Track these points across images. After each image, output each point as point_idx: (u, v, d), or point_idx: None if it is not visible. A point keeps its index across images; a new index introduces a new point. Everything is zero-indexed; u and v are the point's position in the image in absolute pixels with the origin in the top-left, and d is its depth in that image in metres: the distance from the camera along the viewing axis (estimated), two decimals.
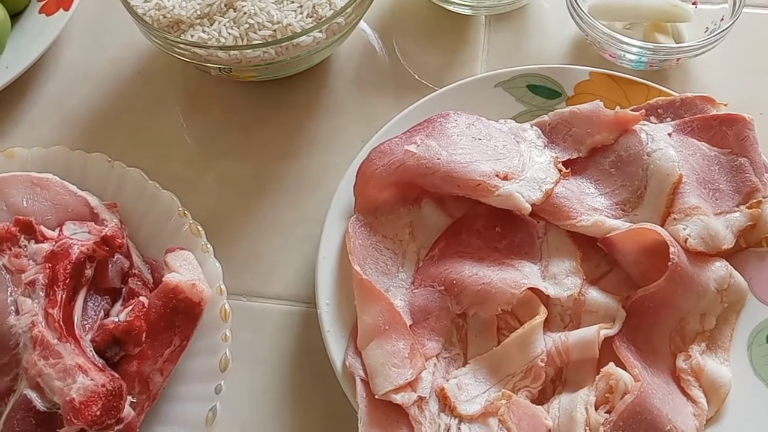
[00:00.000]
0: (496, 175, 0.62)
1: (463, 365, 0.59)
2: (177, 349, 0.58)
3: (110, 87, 0.78)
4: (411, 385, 0.56)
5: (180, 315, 0.59)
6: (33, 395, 0.55)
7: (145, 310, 0.59)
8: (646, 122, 0.66)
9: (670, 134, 0.65)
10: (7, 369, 0.56)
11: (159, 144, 0.74)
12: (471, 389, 0.57)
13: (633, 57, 0.71)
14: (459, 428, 0.55)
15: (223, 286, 0.61)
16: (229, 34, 0.65)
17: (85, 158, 0.67)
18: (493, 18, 0.80)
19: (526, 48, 0.78)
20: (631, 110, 0.66)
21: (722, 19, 0.71)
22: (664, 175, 0.62)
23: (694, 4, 0.75)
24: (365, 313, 0.59)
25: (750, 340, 0.59)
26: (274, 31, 0.65)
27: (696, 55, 0.71)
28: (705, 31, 0.73)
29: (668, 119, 0.67)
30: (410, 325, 0.59)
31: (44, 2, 0.79)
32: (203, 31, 0.66)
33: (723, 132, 0.64)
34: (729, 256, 0.61)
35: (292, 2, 0.67)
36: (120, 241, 0.61)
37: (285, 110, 0.76)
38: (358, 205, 0.64)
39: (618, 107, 0.66)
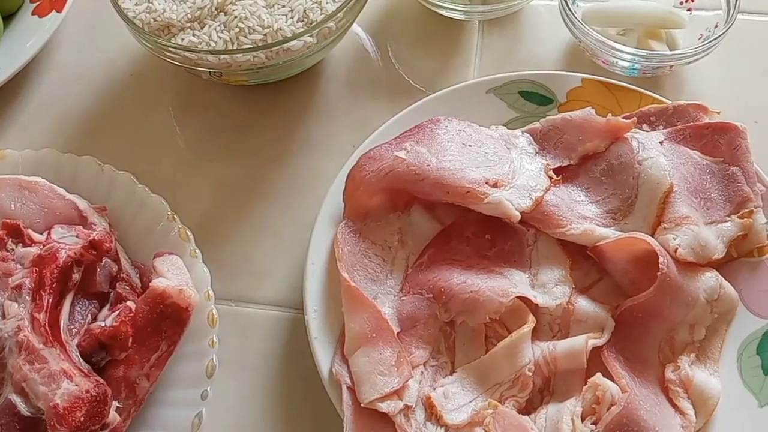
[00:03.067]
0: (486, 183, 0.61)
1: (451, 374, 0.58)
2: (164, 355, 0.58)
3: (103, 89, 0.78)
4: (397, 393, 0.56)
5: (167, 320, 0.58)
6: (18, 400, 0.54)
7: (131, 315, 0.58)
8: (637, 130, 0.65)
9: (661, 142, 0.64)
10: None
11: (151, 146, 0.74)
12: (458, 398, 0.57)
13: (626, 64, 0.71)
14: None
15: (210, 292, 0.61)
16: (220, 38, 0.65)
17: (75, 161, 0.67)
18: (486, 23, 0.79)
19: (518, 54, 0.77)
20: (623, 118, 0.65)
21: (716, 26, 0.71)
22: (655, 183, 0.61)
23: (688, 10, 0.74)
24: (352, 320, 0.58)
25: (740, 351, 0.59)
26: (265, 35, 0.65)
27: (689, 63, 0.70)
28: (699, 38, 0.72)
29: (660, 127, 0.66)
30: (398, 333, 0.59)
31: (37, 4, 0.79)
32: (194, 35, 0.66)
33: (715, 140, 0.64)
34: (720, 266, 0.61)
35: (283, 6, 0.66)
36: (108, 245, 0.60)
37: (277, 114, 0.75)
38: (348, 211, 0.64)
39: (610, 114, 0.65)
